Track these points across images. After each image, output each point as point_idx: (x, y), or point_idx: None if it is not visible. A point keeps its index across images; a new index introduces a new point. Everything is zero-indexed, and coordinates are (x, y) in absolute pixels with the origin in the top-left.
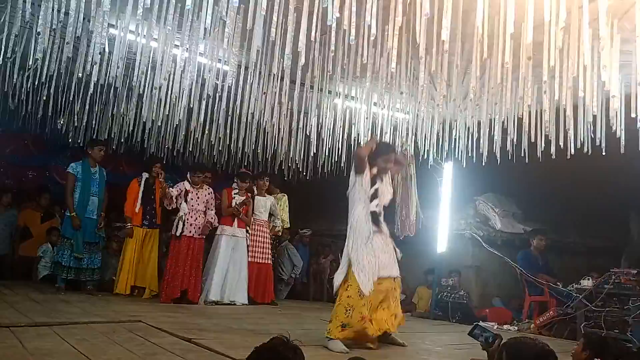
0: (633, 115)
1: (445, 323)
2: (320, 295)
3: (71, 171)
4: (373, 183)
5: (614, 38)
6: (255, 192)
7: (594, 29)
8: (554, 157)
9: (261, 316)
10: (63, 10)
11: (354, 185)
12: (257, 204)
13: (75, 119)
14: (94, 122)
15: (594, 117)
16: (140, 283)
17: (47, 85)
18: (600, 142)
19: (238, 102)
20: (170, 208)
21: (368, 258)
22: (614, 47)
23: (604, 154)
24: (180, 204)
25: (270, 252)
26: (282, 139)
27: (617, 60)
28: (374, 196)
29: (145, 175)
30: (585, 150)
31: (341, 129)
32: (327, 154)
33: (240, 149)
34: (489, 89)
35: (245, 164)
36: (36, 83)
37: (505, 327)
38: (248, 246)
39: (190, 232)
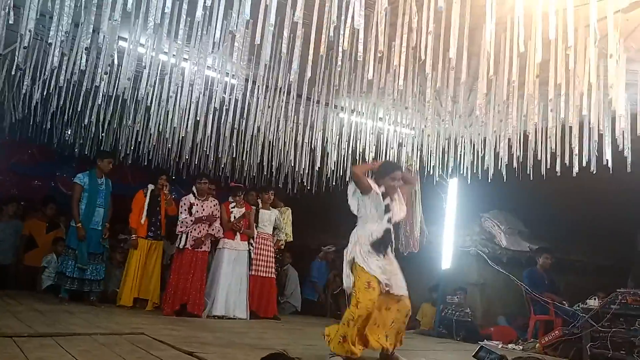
0: (639, 133)
1: (450, 341)
2: (324, 310)
3: (78, 182)
4: (384, 198)
5: (620, 57)
6: (260, 205)
7: (600, 48)
8: (559, 174)
9: (263, 331)
10: (69, 21)
11: (364, 204)
12: (261, 217)
13: (84, 130)
14: (101, 133)
15: (600, 135)
16: (143, 295)
17: (56, 96)
18: (607, 160)
19: (245, 116)
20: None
21: (376, 267)
22: (619, 66)
23: (611, 172)
24: (185, 217)
25: (274, 265)
26: (287, 152)
27: (623, 79)
28: (387, 210)
29: (151, 186)
30: (592, 169)
31: (347, 143)
32: (332, 168)
33: (246, 162)
34: (495, 106)
35: (251, 177)
36: (45, 94)
37: (510, 346)
38: (252, 259)
39: (191, 244)
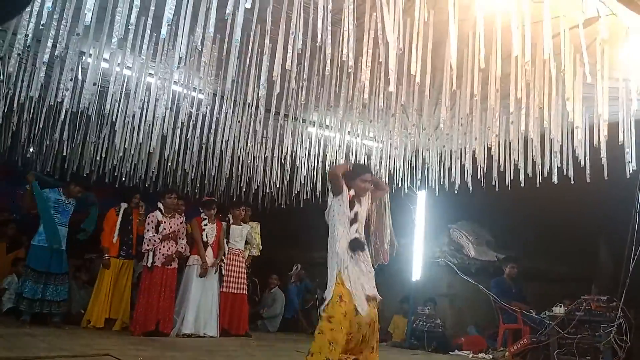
0: (595, 145)
1: (421, 352)
2: (294, 325)
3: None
4: (352, 206)
5: (577, 72)
6: (231, 221)
7: (557, 63)
8: (523, 185)
9: (234, 348)
10: (28, 34)
11: (332, 207)
12: (232, 233)
13: (46, 148)
14: (66, 150)
15: (560, 147)
16: (114, 315)
17: (18, 112)
18: (568, 171)
19: (212, 130)
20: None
21: (358, 275)
22: (576, 80)
23: (572, 182)
24: (152, 235)
25: (245, 281)
26: (256, 167)
27: (580, 93)
28: (354, 220)
29: (124, 205)
30: (553, 179)
31: (315, 157)
32: (302, 182)
33: (215, 177)
34: (459, 119)
35: (220, 192)
36: (5, 111)
37: (480, 355)
38: (223, 276)
39: (162, 262)
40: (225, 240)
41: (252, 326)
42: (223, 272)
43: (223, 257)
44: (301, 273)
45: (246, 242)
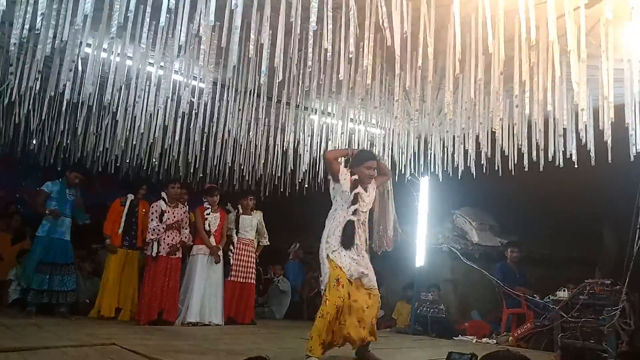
0: (600, 128)
1: (425, 338)
2: (300, 313)
3: (44, 188)
4: (353, 189)
5: (581, 53)
6: (241, 211)
7: (561, 45)
8: (526, 169)
9: (238, 336)
10: (27, 26)
11: (336, 191)
12: (242, 222)
13: (46, 139)
14: (67, 141)
15: (564, 130)
16: (122, 304)
17: (18, 104)
18: (572, 154)
19: (214, 119)
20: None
21: (347, 259)
22: (581, 62)
23: (576, 166)
24: (157, 225)
25: (254, 271)
26: (259, 155)
27: (584, 75)
28: (354, 201)
29: (130, 196)
30: (557, 163)
31: (318, 144)
32: (304, 170)
33: (217, 166)
34: (462, 104)
35: (221, 181)
36: (6, 103)
37: (484, 340)
38: (231, 265)
39: (166, 252)
40: (234, 230)
41: (260, 311)
42: (231, 261)
43: (232, 247)
44: (299, 252)
45: (256, 232)
